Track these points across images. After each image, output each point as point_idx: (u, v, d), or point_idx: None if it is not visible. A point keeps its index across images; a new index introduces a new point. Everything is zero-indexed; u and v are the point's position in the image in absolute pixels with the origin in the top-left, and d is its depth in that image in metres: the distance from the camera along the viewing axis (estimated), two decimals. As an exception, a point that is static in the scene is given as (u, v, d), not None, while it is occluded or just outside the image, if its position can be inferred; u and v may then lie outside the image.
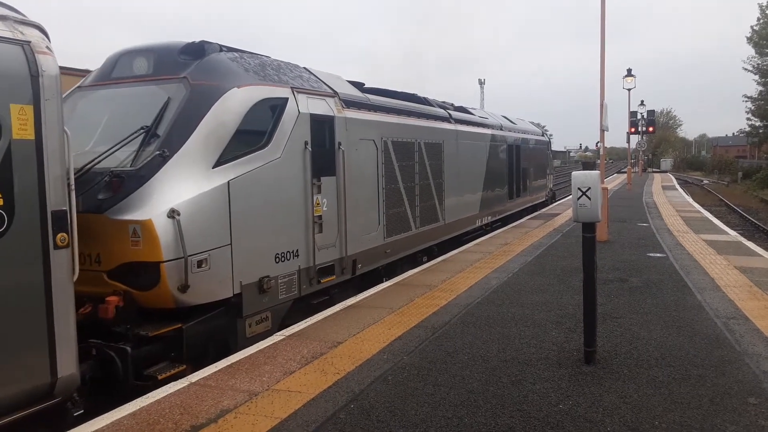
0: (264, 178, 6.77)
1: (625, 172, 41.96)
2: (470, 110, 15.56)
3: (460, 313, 7.13)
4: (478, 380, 5.05)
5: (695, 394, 4.67)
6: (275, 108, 7.13)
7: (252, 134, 6.80)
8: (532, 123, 24.47)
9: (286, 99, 7.30)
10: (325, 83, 8.51)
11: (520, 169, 18.21)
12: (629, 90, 32.86)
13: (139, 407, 4.66)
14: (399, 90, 11.62)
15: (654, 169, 69.96)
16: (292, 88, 7.51)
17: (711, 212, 20.71)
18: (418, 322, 6.80)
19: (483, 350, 5.79)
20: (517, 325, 6.59)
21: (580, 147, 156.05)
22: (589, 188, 5.27)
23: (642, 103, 41.87)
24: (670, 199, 24.78)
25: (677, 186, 36.28)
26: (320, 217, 7.73)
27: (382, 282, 9.20)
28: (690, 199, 25.91)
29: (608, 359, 5.47)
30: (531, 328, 6.49)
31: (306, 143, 7.45)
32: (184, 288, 5.77)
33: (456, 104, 14.80)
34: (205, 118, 6.30)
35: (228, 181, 6.27)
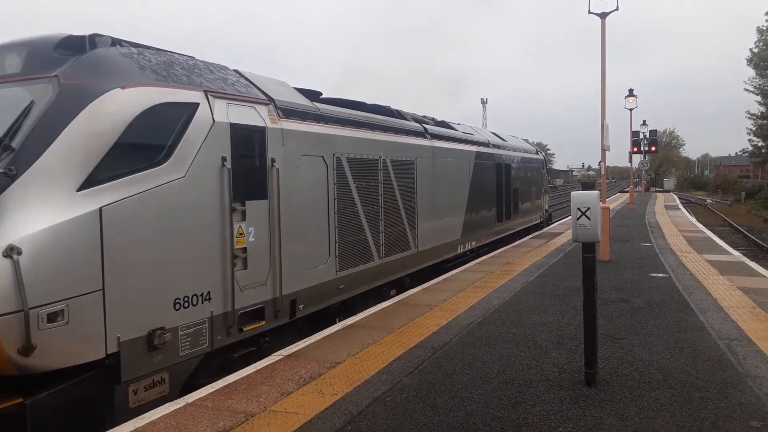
0: (158, 203, 5.47)
1: (628, 192, 41.95)
2: (453, 125, 14.48)
3: (460, 334, 7.07)
4: (477, 402, 4.99)
5: (697, 417, 4.60)
6: (179, 115, 5.80)
7: (142, 148, 5.52)
8: (527, 141, 23.09)
9: (196, 105, 5.96)
10: (258, 88, 7.18)
11: (510, 189, 17.00)
12: (631, 110, 33.00)
13: (134, 428, 4.62)
14: (370, 102, 10.65)
15: (657, 189, 69.94)
16: (205, 91, 6.17)
17: (714, 232, 20.63)
18: (418, 342, 6.75)
19: (483, 371, 5.73)
20: (518, 346, 6.53)
21: (583, 166, 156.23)
22: (589, 208, 5.26)
23: (644, 123, 41.99)
24: (672, 219, 24.72)
25: (680, 206, 36.22)
26: (244, 249, 6.39)
27: (335, 323, 7.96)
28: (693, 219, 25.85)
29: (609, 381, 5.41)
30: (532, 348, 6.44)
31: (224, 159, 6.14)
32: (27, 350, 4.50)
33: (438, 119, 14.01)
34: (70, 126, 5.06)
35: (100, 208, 4.97)
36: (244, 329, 6.47)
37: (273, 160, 6.88)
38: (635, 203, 33.42)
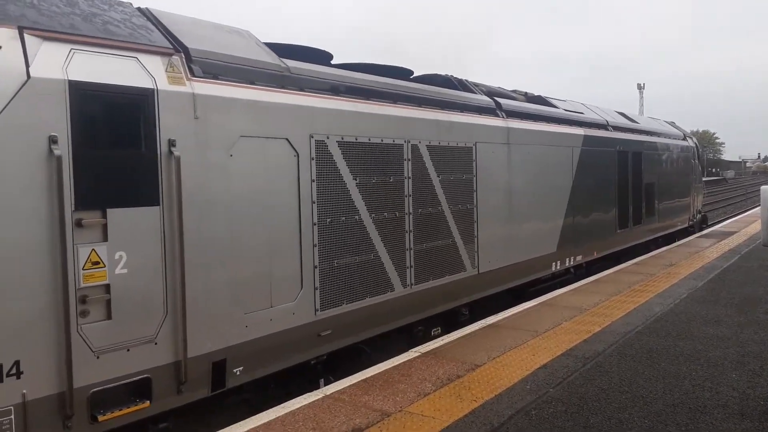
0: None
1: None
2: (552, 101, 11.26)
3: (616, 343, 6.36)
4: (639, 426, 4.36)
5: None
6: None
7: None
8: (673, 124, 18.54)
9: None
10: (163, 30, 4.85)
11: (642, 184, 13.35)
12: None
13: (274, 417, 4.67)
14: (429, 74, 8.44)
15: None
16: (21, 27, 3.86)
17: None
18: (566, 349, 6.17)
19: (644, 390, 5.05)
20: (687, 363, 5.69)
21: (758, 156, 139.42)
22: (788, 206, 4.32)
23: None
24: None
25: None
26: (105, 288, 4.14)
27: (320, 386, 5.79)
28: None
29: (810, 416, 4.47)
30: (704, 367, 5.57)
31: (52, 140, 3.87)
32: None
33: (533, 94, 11.18)
34: None
35: None
36: (100, 418, 4.09)
37: (171, 143, 4.50)
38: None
